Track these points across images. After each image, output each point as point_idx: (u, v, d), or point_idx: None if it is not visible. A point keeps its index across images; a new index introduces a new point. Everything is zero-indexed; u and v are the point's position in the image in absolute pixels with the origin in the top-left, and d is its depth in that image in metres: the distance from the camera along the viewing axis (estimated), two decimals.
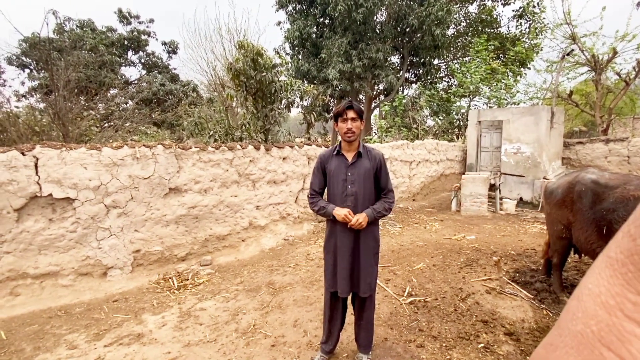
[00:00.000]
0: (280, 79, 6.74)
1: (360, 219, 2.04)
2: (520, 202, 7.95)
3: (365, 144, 2.26)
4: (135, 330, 2.94)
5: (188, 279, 4.07)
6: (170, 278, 4.09)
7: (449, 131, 13.31)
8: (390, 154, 7.87)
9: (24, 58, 13.34)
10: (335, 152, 2.20)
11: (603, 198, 2.59)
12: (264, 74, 6.11)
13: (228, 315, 3.17)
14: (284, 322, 2.97)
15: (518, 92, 12.45)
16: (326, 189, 2.25)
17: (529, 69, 13.70)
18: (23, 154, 3.48)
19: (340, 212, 2.04)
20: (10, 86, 13.77)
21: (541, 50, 13.66)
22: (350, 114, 2.07)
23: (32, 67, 13.79)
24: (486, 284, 3.43)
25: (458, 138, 14.06)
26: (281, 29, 15.32)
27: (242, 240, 5.31)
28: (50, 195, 3.56)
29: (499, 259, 3.33)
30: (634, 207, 2.38)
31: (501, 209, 7.08)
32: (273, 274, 4.13)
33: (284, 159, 5.93)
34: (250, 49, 6.04)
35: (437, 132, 13.09)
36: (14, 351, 2.62)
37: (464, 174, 10.12)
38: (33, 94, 13.31)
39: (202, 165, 4.81)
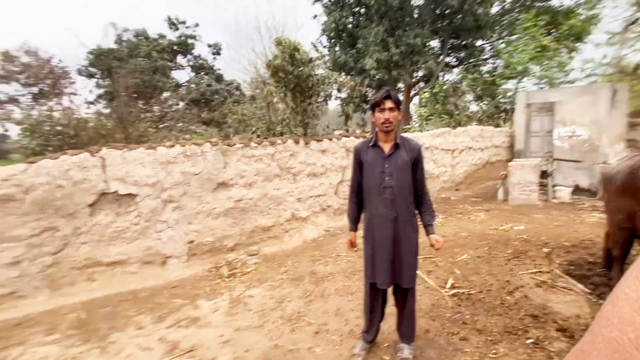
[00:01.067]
0: (317, 73, 6.74)
1: (440, 239, 2.25)
2: (577, 189, 7.27)
3: (403, 135, 2.20)
4: (192, 314, 3.16)
5: (237, 268, 4.28)
6: (221, 267, 4.33)
7: (495, 116, 12.47)
8: (431, 143, 7.57)
9: (91, 68, 14.65)
10: (372, 144, 2.17)
11: None
12: (301, 68, 6.15)
13: (274, 302, 3.29)
14: (326, 311, 3.03)
15: (573, 69, 11.31)
16: (364, 182, 2.22)
17: (586, 43, 12.35)
18: (92, 155, 3.85)
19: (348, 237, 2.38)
20: (80, 94, 15.22)
21: (600, 21, 12.23)
22: (388, 103, 2.02)
23: (98, 76, 15.11)
24: (536, 277, 3.21)
25: (505, 123, 13.13)
26: (317, 22, 15.24)
27: (286, 232, 5.46)
28: (116, 191, 3.91)
29: (550, 250, 3.09)
30: None
31: (554, 198, 6.54)
32: (315, 264, 4.20)
33: (323, 151, 5.95)
34: (287, 45, 6.09)
35: (481, 117, 12.33)
36: (92, 330, 2.95)
37: (511, 160, 9.46)
38: (99, 100, 14.61)
39: (247, 161, 4.98)
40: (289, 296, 3.39)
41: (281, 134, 7.52)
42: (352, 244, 2.38)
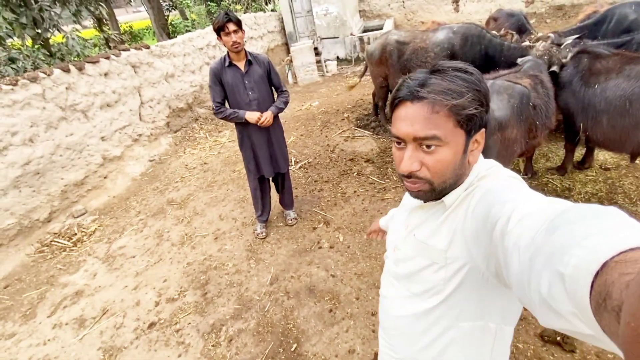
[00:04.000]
0: None
1: (267, 116, 2.67)
2: (338, 60, 9.58)
3: (250, 51, 2.69)
4: (68, 292, 3.08)
5: (76, 234, 3.99)
6: (50, 242, 3.91)
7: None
8: (217, 40, 7.77)
9: None
10: (228, 64, 2.58)
11: (403, 52, 3.95)
12: None
13: (153, 240, 3.57)
14: (210, 221, 3.63)
15: None
16: (230, 100, 2.68)
17: None
18: None
19: (252, 116, 2.62)
20: None
21: None
22: (231, 26, 2.40)
23: None
24: (342, 135, 4.81)
25: (267, 4, 14.20)
26: None
27: (105, 177, 5.08)
28: None
29: (350, 114, 4.61)
30: (422, 55, 3.80)
31: (327, 72, 8.52)
32: (166, 194, 4.44)
33: (105, 75, 5.33)
34: None
35: (244, 1, 12.80)
36: None
37: (286, 44, 10.94)
38: None
39: (9, 111, 4.02)
40: (164, 228, 3.71)
41: (18, 66, 5.89)
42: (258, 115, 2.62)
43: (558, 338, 2.04)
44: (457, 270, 0.75)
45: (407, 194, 0.96)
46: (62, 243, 3.83)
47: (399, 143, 0.75)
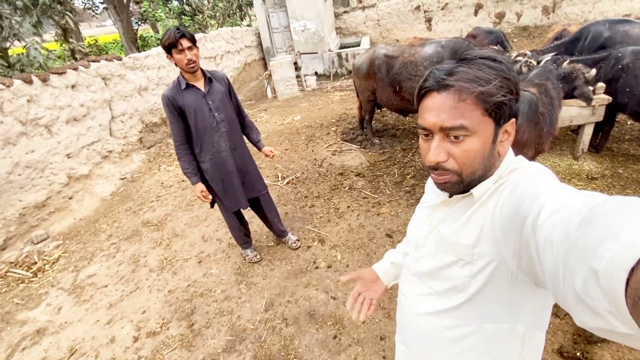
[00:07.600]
0: None
1: (272, 149, 2.74)
2: (316, 75, 9.61)
3: (206, 69, 2.35)
4: (27, 331, 2.71)
5: (37, 262, 3.60)
6: (7, 273, 3.50)
7: (232, 14, 13.17)
8: None
9: None
10: (185, 87, 2.24)
11: (392, 66, 3.93)
12: None
13: (128, 266, 3.26)
14: (192, 243, 3.37)
15: None
16: (193, 127, 2.33)
17: None
18: None
19: (197, 189, 2.42)
20: None
21: None
22: (185, 42, 2.06)
23: None
24: (329, 149, 4.69)
25: (242, 20, 14.18)
26: None
27: (70, 198, 4.68)
28: None
29: (335, 128, 4.52)
30: (411, 69, 3.79)
31: (307, 86, 8.49)
32: (140, 214, 4.13)
33: (72, 87, 5.00)
34: None
35: (219, 17, 12.71)
36: None
37: (263, 59, 10.89)
38: None
39: None
40: (139, 253, 3.41)
41: None
42: (205, 195, 2.45)
43: (578, 353, 1.96)
44: (484, 267, 0.72)
45: (427, 190, 0.96)
46: (19, 274, 3.43)
47: (426, 135, 0.75)
